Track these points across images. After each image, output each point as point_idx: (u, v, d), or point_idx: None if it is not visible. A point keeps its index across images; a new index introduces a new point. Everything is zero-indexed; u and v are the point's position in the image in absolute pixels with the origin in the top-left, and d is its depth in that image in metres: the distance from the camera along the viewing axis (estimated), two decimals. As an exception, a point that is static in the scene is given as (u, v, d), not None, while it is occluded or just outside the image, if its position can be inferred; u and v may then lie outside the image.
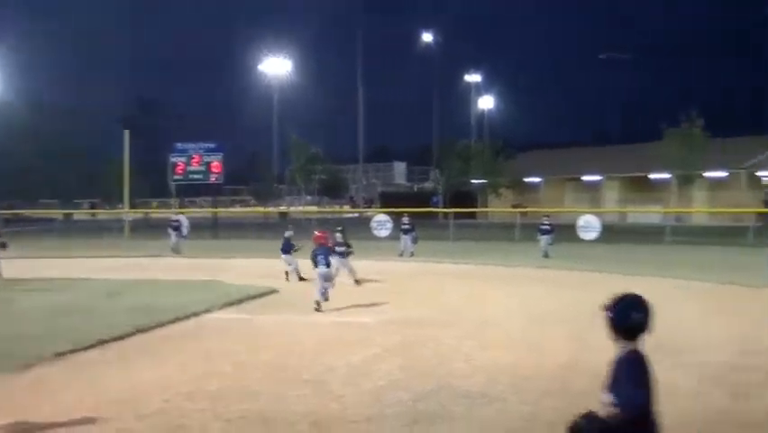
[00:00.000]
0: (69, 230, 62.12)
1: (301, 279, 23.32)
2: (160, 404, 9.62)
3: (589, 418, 4.89)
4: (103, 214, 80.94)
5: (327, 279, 18.38)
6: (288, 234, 25.11)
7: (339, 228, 23.98)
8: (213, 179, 52.83)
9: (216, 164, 51.86)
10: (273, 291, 20.80)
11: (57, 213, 79.54)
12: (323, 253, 18.52)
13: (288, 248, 24.56)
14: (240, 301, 18.96)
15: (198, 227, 51.42)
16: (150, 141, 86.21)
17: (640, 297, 5.18)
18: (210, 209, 58.17)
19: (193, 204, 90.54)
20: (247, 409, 9.37)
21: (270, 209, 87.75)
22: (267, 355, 12.67)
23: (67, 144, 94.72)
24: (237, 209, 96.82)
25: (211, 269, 27.75)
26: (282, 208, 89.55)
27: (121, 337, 13.98)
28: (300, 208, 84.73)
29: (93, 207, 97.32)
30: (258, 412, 9.24)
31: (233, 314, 17.35)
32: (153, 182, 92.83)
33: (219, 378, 11.08)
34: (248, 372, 11.48)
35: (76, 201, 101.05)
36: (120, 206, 62.01)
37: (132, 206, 66.89)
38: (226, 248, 39.10)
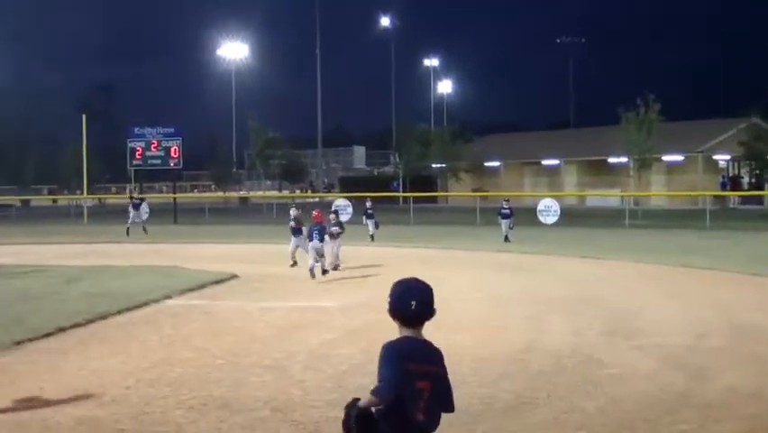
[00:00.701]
0: (27, 216, 61.46)
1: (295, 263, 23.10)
2: (122, 391, 9.57)
3: (351, 405, 4.73)
4: (61, 199, 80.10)
5: (319, 253, 20.38)
6: (294, 213, 24.03)
7: (333, 210, 24.96)
8: (172, 164, 52.38)
9: (175, 149, 51.39)
10: (233, 277, 20.74)
11: (14, 199, 78.49)
12: (318, 230, 20.71)
13: (297, 230, 23.47)
14: (200, 287, 18.89)
15: (158, 213, 51.06)
16: (108, 125, 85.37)
17: (422, 284, 5.01)
18: (170, 194, 57.69)
19: (152, 189, 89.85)
20: (208, 395, 9.36)
21: (231, 194, 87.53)
22: (227, 341, 12.65)
23: (23, 130, 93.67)
24: (197, 194, 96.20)
25: (171, 254, 27.60)
26: (242, 193, 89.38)
27: (80, 324, 13.87)
28: (260, 193, 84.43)
29: (51, 192, 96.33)
30: (219, 398, 9.23)
31: (194, 300, 17.26)
32: (112, 167, 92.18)
33: (180, 364, 11.04)
34: (209, 358, 11.45)
35: (33, 187, 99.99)
36: (78, 191, 61.37)
37: (91, 191, 66.20)
38: (186, 233, 38.90)
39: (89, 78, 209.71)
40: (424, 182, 72.66)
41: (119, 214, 49.60)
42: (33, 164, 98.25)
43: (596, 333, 13.28)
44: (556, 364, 11.07)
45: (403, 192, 66.49)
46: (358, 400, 4.73)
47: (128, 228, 37.46)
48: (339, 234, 22.68)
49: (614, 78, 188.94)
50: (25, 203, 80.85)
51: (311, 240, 20.52)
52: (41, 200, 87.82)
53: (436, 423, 4.88)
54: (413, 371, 4.74)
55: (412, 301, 4.87)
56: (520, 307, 16.10)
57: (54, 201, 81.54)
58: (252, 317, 15.11)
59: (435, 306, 4.95)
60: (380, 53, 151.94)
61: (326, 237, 21.25)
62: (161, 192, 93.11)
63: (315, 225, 20.86)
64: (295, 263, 23.04)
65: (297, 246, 23.06)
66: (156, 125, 52.37)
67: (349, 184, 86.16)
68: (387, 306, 4.89)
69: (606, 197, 63.71)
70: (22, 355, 11.67)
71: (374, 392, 4.68)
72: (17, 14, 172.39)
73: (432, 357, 4.93)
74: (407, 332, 4.89)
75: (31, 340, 12.46)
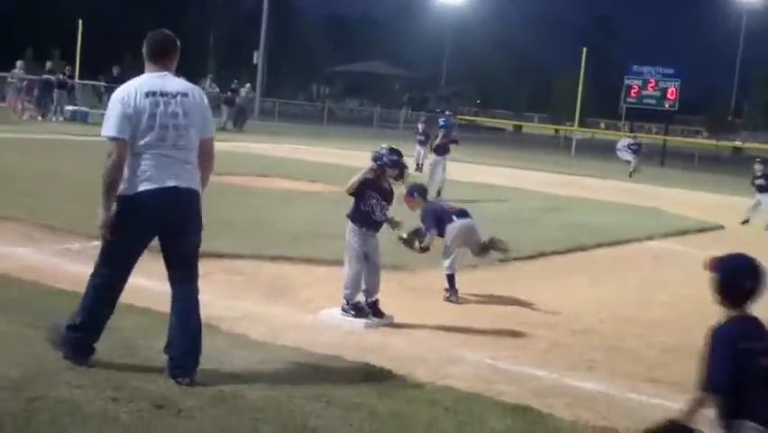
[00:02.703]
0: (518, 142, 64.12)
1: None
2: (595, 323, 9.66)
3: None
4: (548, 129, 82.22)
5: None
6: None
7: None
8: (667, 105, 51.35)
9: (672, 91, 50.26)
10: (718, 227, 19.87)
11: (507, 123, 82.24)
12: None
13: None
14: (682, 233, 18.33)
15: (646, 154, 50.51)
16: (604, 61, 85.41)
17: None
18: (661, 136, 56.74)
19: (641, 129, 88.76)
20: (684, 341, 9.07)
21: (724, 143, 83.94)
22: (706, 291, 12.12)
23: (525, 57, 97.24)
24: (688, 139, 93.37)
25: (651, 196, 27.13)
26: (737, 143, 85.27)
27: (560, 252, 14.16)
28: (756, 145, 79.95)
29: (541, 121, 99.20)
30: (697, 346, 8.90)
31: (674, 245, 16.78)
32: (602, 103, 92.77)
33: (656, 307, 10.90)
34: (686, 305, 11.09)
35: (526, 114, 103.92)
36: (569, 123, 62.64)
37: (581, 125, 67.10)
38: (671, 178, 38.03)
39: (591, 10, 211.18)
40: None
41: (607, 150, 49.97)
42: (528, 92, 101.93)
43: None
44: None
45: None
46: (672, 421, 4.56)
47: (636, 168, 37.94)
48: None
49: None
50: (517, 128, 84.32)
51: None
52: (532, 128, 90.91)
53: None
54: (753, 350, 4.54)
55: (747, 280, 4.69)
56: None
57: (556, 132, 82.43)
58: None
59: None
60: None
61: None
62: (650, 133, 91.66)
63: None
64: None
65: None
66: (655, 65, 51.65)
67: None
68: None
69: None
70: (504, 273, 12.17)
71: (706, 389, 4.54)
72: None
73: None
74: (735, 312, 4.76)
75: (514, 260, 12.93)
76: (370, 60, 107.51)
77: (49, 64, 40.90)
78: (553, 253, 14.00)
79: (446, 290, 10.08)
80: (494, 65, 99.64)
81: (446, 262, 10.11)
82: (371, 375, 6.88)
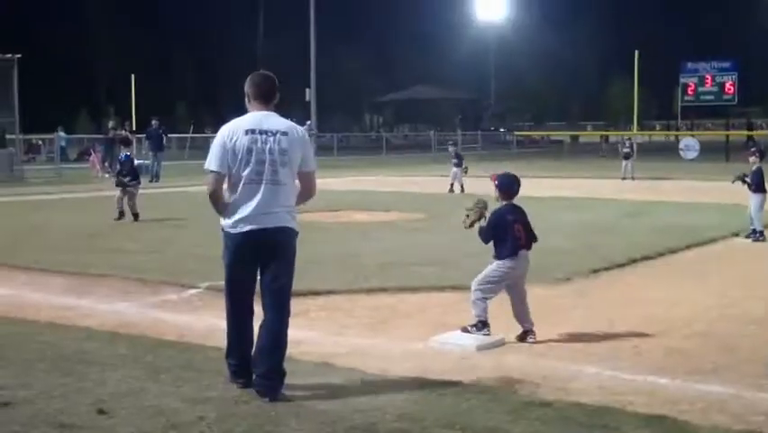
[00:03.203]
0: (576, 152, 63.63)
1: None
2: (705, 325, 9.42)
3: None
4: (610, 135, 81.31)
5: None
6: None
7: None
8: (725, 99, 50.56)
9: (730, 84, 49.45)
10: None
11: (563, 134, 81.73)
12: None
13: None
14: (766, 227, 17.91)
15: (707, 151, 49.75)
16: (657, 61, 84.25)
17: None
18: (722, 132, 55.74)
19: (700, 126, 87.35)
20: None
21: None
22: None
23: (575, 67, 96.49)
24: (752, 132, 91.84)
25: (723, 192, 26.56)
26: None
27: (651, 257, 13.93)
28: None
29: (596, 129, 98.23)
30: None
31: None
32: (659, 104, 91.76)
33: (763, 303, 10.61)
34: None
35: (580, 123, 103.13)
36: (629, 127, 62.07)
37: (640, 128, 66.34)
38: (738, 172, 37.18)
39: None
40: None
41: (665, 151, 49.37)
42: (582, 101, 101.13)
43: None
44: None
45: None
46: None
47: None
48: None
49: None
50: (574, 139, 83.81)
51: None
52: (588, 136, 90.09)
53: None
54: (510, 219, 8.50)
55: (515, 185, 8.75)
56: None
57: (606, 139, 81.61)
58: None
59: None
60: None
61: None
62: (708, 129, 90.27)
63: None
64: None
65: None
66: (711, 60, 50.90)
67: None
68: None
69: None
70: (600, 283, 12.00)
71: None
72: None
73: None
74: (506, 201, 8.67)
75: (606, 269, 12.76)
76: (414, 86, 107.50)
77: (111, 123, 41.64)
78: (644, 258, 13.77)
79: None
80: (544, 80, 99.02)
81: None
82: (496, 397, 6.77)
